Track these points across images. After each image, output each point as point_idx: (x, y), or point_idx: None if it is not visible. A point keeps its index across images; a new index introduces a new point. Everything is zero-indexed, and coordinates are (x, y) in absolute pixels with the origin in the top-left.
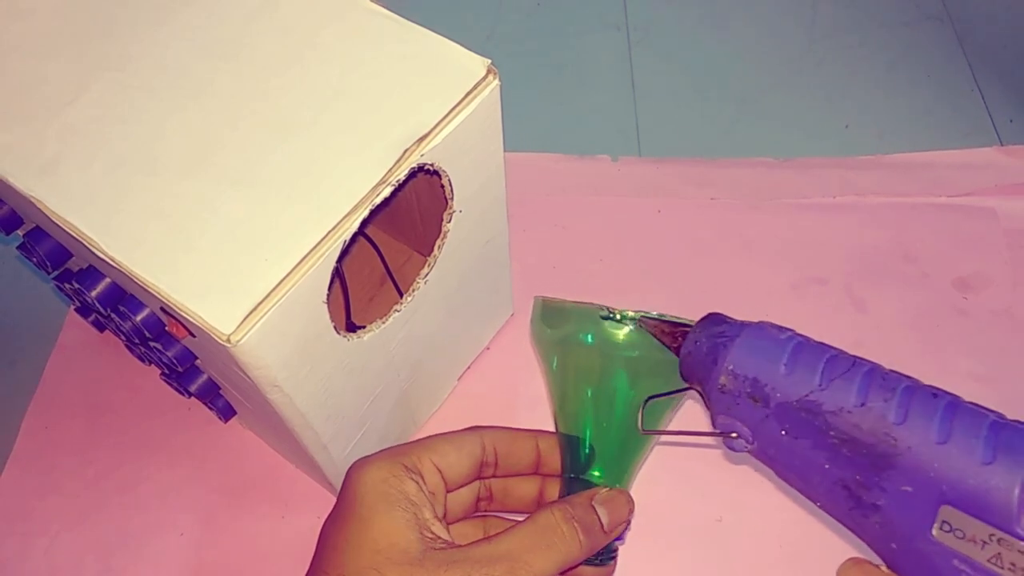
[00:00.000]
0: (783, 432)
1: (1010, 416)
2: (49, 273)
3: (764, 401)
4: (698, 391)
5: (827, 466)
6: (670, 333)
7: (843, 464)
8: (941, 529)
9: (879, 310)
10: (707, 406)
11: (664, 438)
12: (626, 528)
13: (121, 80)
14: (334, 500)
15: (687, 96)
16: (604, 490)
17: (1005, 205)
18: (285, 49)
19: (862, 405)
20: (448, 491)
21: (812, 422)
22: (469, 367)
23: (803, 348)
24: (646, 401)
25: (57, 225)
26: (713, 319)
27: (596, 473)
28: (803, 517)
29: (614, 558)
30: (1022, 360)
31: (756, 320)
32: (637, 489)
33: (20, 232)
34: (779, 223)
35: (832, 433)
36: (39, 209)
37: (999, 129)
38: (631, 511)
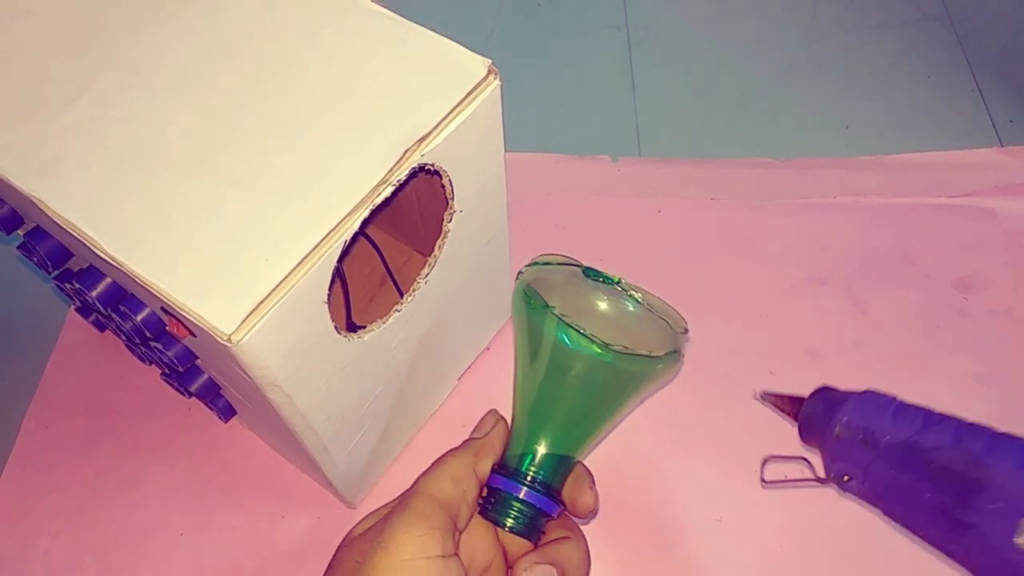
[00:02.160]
0: (891, 469)
1: (1010, 415)
2: (49, 273)
3: (874, 445)
4: (814, 445)
5: (929, 495)
6: (789, 401)
7: (942, 491)
8: (1022, 536)
9: (879, 310)
10: (822, 456)
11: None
12: (555, 493)
13: (122, 80)
14: (333, 499)
15: (687, 96)
16: (477, 428)
17: (1005, 205)
18: (285, 49)
19: (957, 443)
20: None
21: (915, 459)
22: (469, 367)
23: (903, 405)
24: (765, 460)
25: (58, 225)
26: (825, 388)
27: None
28: (802, 517)
29: (537, 527)
30: (1022, 360)
31: (756, 320)
32: (637, 489)
33: (20, 232)
34: (779, 223)
35: (933, 466)
36: (40, 209)
37: (999, 129)
38: (495, 416)
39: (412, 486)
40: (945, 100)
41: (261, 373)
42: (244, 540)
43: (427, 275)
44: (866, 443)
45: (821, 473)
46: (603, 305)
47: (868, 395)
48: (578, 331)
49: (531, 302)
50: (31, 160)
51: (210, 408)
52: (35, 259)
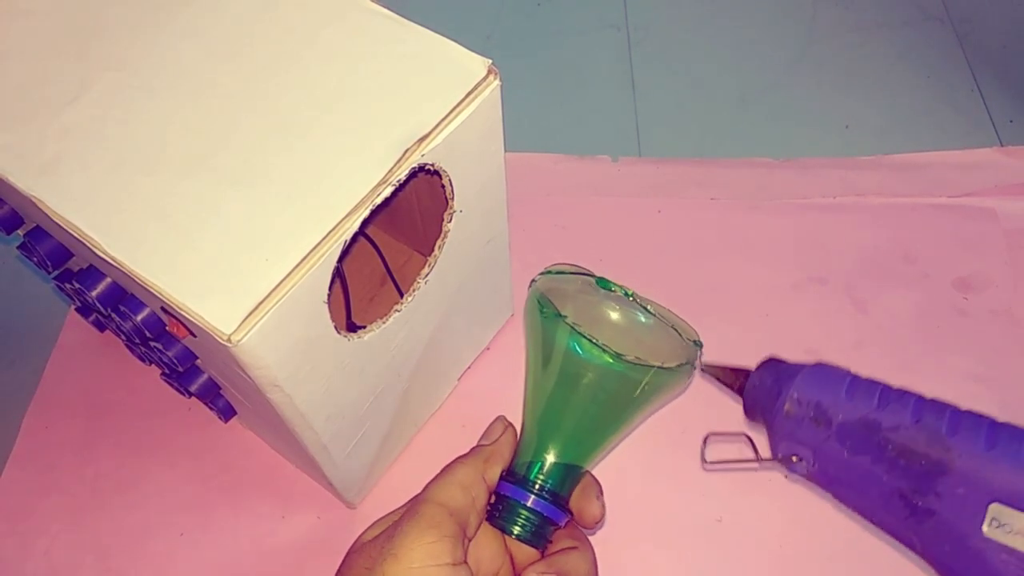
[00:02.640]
0: (844, 450)
1: (1010, 415)
2: (49, 273)
3: (826, 423)
4: (760, 422)
5: (885, 478)
6: (732, 373)
7: (900, 475)
8: (991, 525)
9: (879, 310)
10: (769, 435)
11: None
12: (562, 502)
13: (122, 80)
14: (333, 499)
15: (687, 96)
16: (484, 435)
17: (1005, 205)
18: (285, 49)
19: (917, 422)
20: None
21: (871, 438)
22: (469, 367)
23: (859, 379)
24: (706, 438)
25: (58, 225)
26: (773, 360)
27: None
28: (802, 517)
29: (544, 536)
30: (1022, 360)
31: (756, 320)
32: (637, 488)
33: (20, 232)
34: (779, 223)
35: (890, 447)
36: (40, 209)
37: (999, 129)
38: (504, 424)
39: (421, 493)
40: (945, 100)
41: (261, 373)
42: (244, 540)
43: (427, 275)
44: (817, 421)
45: (766, 453)
46: (615, 316)
47: (820, 368)
48: (590, 341)
49: (544, 310)
50: (31, 160)
51: (210, 408)
52: (35, 259)
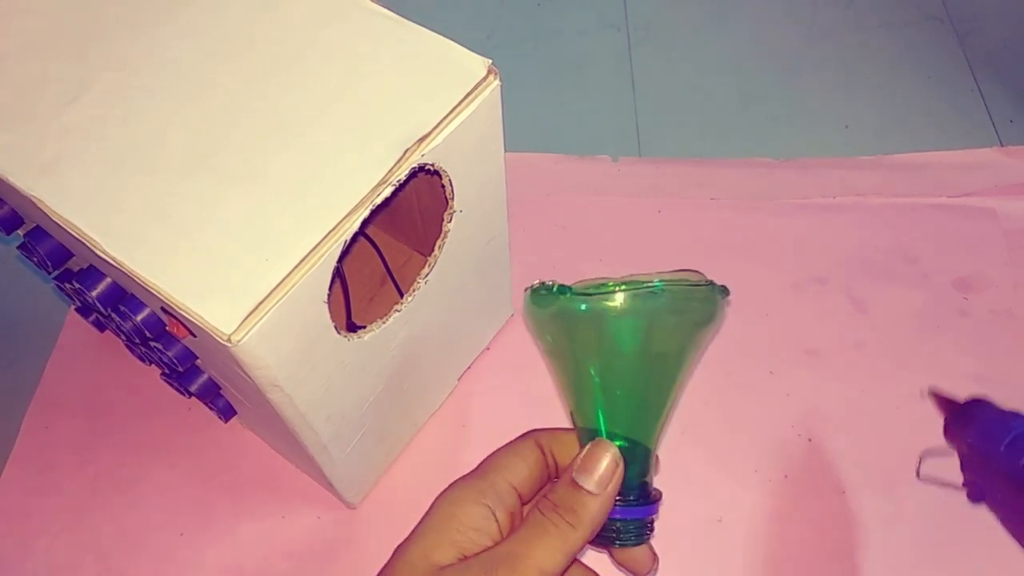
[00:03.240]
0: (1010, 495)
1: None
2: (49, 273)
3: (992, 468)
4: (955, 447)
5: None
6: (946, 405)
7: None
8: None
9: (879, 310)
10: (960, 466)
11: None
12: (644, 491)
13: (122, 79)
14: (333, 499)
15: (687, 96)
16: (578, 459)
17: (1005, 205)
18: (286, 49)
19: None
20: (524, 503)
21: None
22: (469, 367)
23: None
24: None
25: (58, 225)
26: (976, 401)
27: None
28: (803, 517)
29: (648, 534)
30: (1022, 360)
31: (756, 319)
32: None
33: (20, 232)
34: (779, 223)
35: None
36: (40, 209)
37: (999, 129)
38: (613, 458)
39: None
40: (945, 100)
41: (261, 373)
42: (244, 540)
43: (427, 275)
44: (986, 465)
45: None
46: (620, 296)
47: (992, 417)
48: (617, 288)
49: (542, 293)
50: (31, 160)
51: (210, 408)
52: (35, 259)
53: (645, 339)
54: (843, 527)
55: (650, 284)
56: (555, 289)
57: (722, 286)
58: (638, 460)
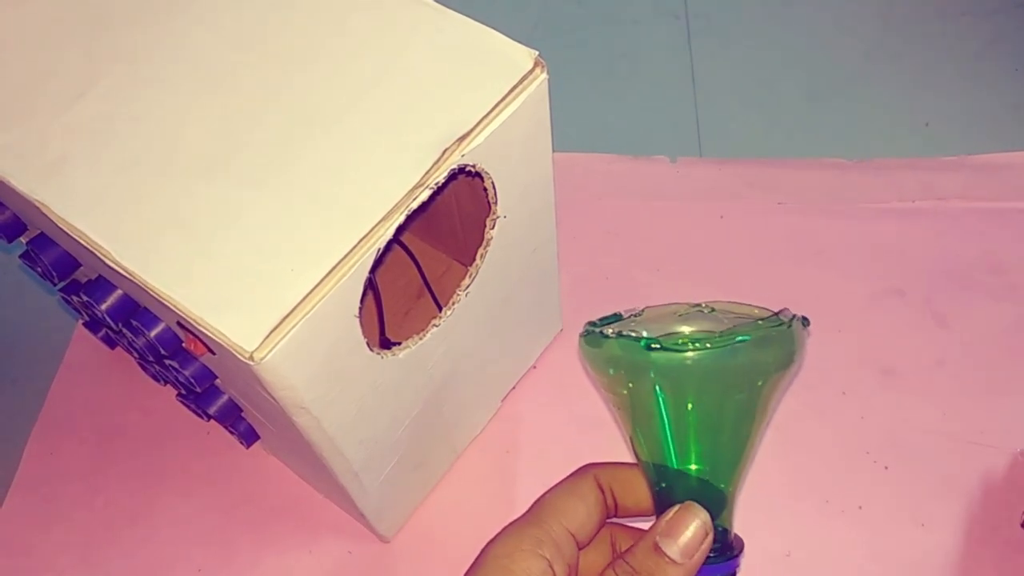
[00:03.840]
0: None
1: None
2: (55, 284)
3: None
4: None
5: None
6: None
7: None
8: None
9: (962, 325)
10: None
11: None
12: (724, 540)
13: (133, 73)
14: (365, 532)
15: (752, 91)
16: (663, 521)
17: None
18: (312, 39)
19: None
20: (580, 549)
21: None
22: (514, 387)
23: None
24: None
25: (64, 232)
26: None
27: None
28: (878, 552)
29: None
30: None
31: (828, 335)
32: None
33: (23, 239)
34: (852, 230)
35: None
36: (44, 214)
37: None
38: (703, 525)
39: None
40: None
41: (286, 394)
42: None
43: (468, 286)
44: None
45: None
46: (686, 328)
47: None
48: (695, 346)
49: (604, 343)
50: (34, 161)
51: (230, 432)
52: (39, 269)
53: (722, 389)
54: (922, 564)
55: (731, 338)
56: (615, 334)
57: (803, 317)
58: (716, 504)
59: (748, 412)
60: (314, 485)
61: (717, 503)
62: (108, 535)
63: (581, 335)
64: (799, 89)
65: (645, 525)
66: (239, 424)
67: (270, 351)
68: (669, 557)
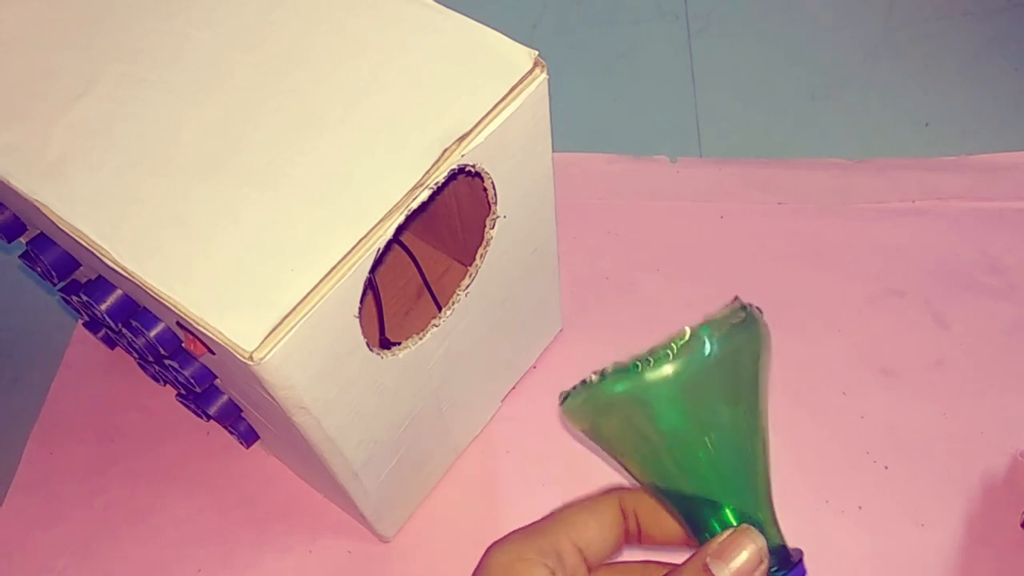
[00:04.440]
0: None
1: None
2: (55, 284)
3: None
4: None
5: None
6: None
7: None
8: None
9: (962, 326)
10: None
11: None
12: (782, 556)
13: (132, 73)
14: (365, 532)
15: (752, 91)
16: (716, 542)
17: None
18: (312, 39)
19: None
20: (591, 570)
21: None
22: (514, 388)
23: None
24: None
25: (63, 232)
26: None
27: (728, 512)
28: (878, 552)
29: None
30: None
31: (828, 336)
32: None
33: (23, 240)
34: (853, 230)
35: None
36: (43, 214)
37: None
38: (759, 551)
39: None
40: None
41: (286, 394)
42: None
43: (468, 286)
44: None
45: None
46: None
47: None
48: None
49: (577, 398)
50: (34, 161)
51: (230, 432)
52: (39, 269)
53: (713, 393)
54: (922, 564)
55: (696, 337)
56: (581, 386)
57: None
58: (756, 522)
59: (749, 412)
60: (314, 485)
61: (756, 522)
62: (108, 535)
63: (563, 403)
64: (799, 89)
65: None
66: (239, 424)
67: (270, 351)
68: None
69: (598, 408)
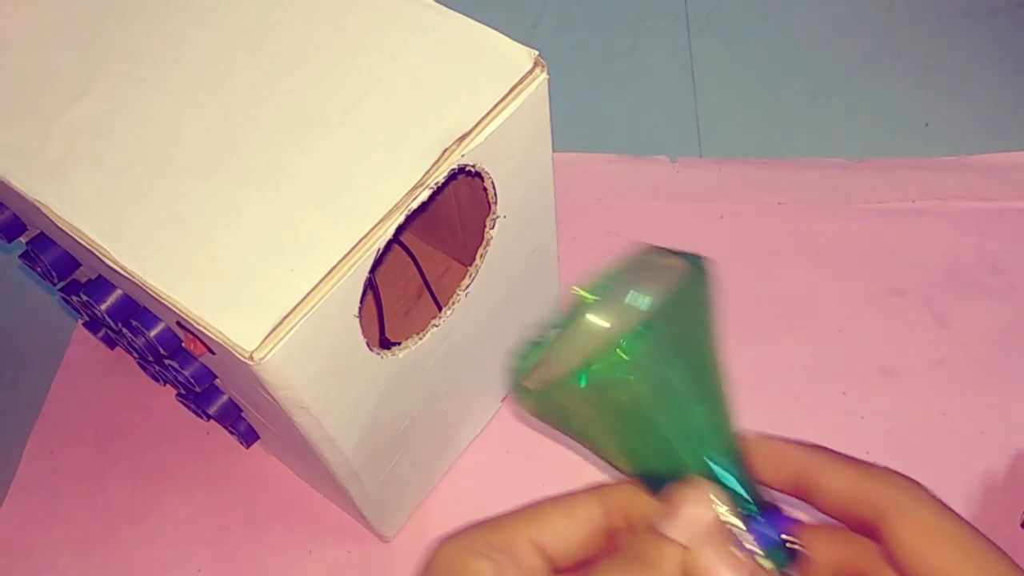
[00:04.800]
0: None
1: None
2: (54, 284)
3: None
4: None
5: None
6: None
7: None
8: None
9: (962, 326)
10: None
11: None
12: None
13: (133, 73)
14: (365, 532)
15: (752, 91)
16: (663, 497)
17: None
18: (312, 39)
19: None
20: (558, 571)
21: None
22: None
23: None
24: None
25: (63, 231)
26: None
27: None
28: None
29: (791, 553)
30: None
31: (828, 335)
32: None
33: (23, 239)
34: (853, 230)
35: None
36: (44, 214)
37: None
38: (704, 497)
39: None
40: None
41: (286, 394)
42: None
43: (468, 286)
44: None
45: None
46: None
47: None
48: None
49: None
50: (34, 161)
51: (230, 432)
52: (39, 269)
53: (670, 350)
54: None
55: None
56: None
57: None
58: (725, 474)
59: (697, 365)
60: (314, 485)
61: (725, 470)
62: (108, 535)
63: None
64: (799, 89)
65: None
66: (239, 424)
67: (270, 351)
68: (669, 537)
69: (554, 402)
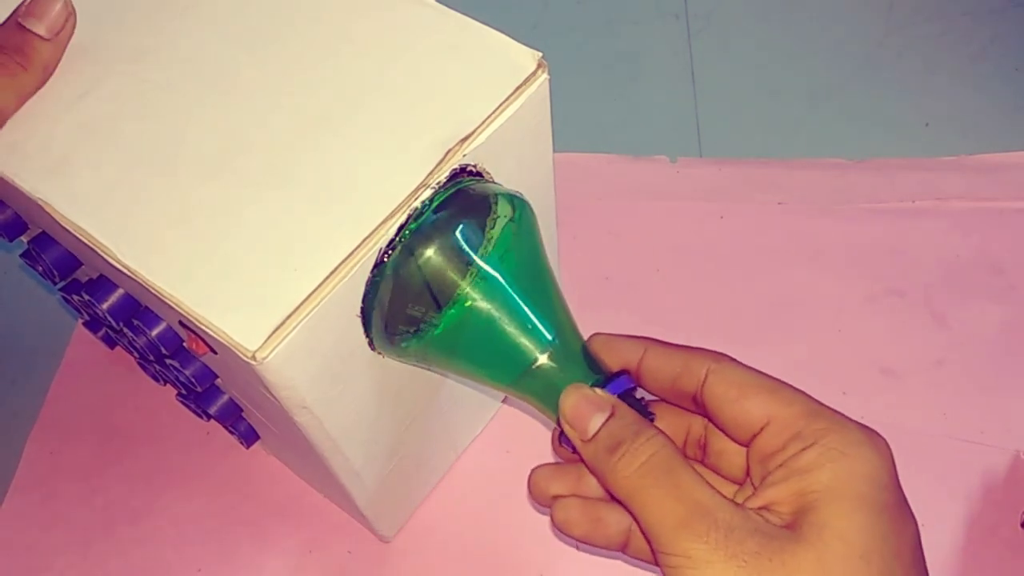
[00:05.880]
0: None
1: None
2: (56, 283)
3: None
4: None
5: None
6: None
7: None
8: None
9: (962, 326)
10: None
11: None
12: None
13: (137, 73)
14: (365, 532)
15: (752, 91)
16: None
17: None
18: (316, 40)
19: None
20: None
21: None
22: None
23: None
24: None
25: (66, 230)
26: None
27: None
28: None
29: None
30: None
31: (828, 336)
32: None
33: (24, 238)
34: (853, 230)
35: None
36: (46, 212)
37: None
38: (64, 3)
39: None
40: None
41: (288, 394)
42: None
43: None
44: None
45: None
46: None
47: None
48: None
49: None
50: (37, 160)
51: (231, 432)
52: (40, 268)
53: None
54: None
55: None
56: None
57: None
58: (564, 344)
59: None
60: (314, 485)
61: (564, 342)
62: (107, 536)
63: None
64: (799, 89)
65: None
66: (239, 424)
67: (272, 351)
68: (35, 33)
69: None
